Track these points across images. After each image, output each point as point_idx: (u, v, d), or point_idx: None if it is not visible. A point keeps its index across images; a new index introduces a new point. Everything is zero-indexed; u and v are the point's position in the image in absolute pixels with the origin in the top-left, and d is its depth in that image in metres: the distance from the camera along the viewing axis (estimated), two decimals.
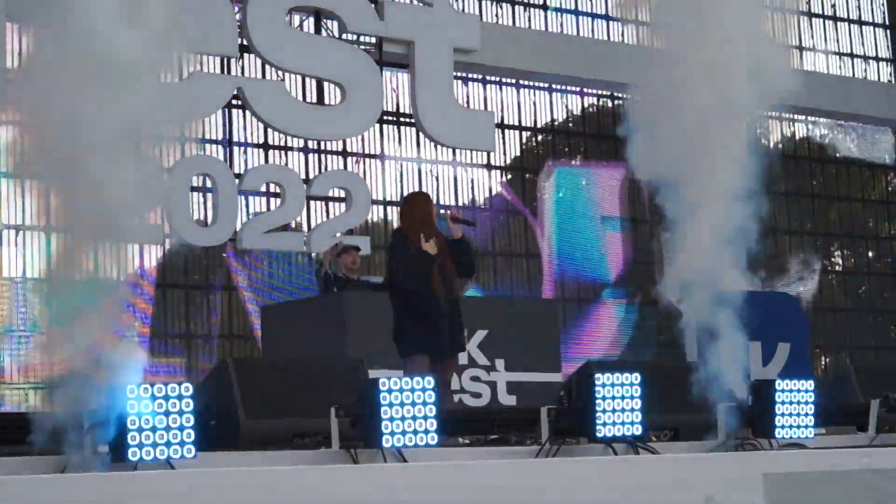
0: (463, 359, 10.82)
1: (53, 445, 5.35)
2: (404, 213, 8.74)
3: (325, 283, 11.12)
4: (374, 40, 14.52)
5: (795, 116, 18.95)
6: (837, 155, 19.60)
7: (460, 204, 15.97)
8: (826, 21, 19.32)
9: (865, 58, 19.55)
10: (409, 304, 8.42)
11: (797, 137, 19.34)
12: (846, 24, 19.51)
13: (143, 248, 13.55)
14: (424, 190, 14.98)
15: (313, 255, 13.51)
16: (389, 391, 5.60)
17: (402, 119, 15.17)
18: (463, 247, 8.54)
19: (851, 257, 19.87)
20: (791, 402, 6.61)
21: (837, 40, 19.37)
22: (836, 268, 19.82)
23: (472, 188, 16.20)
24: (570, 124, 17.44)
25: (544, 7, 16.75)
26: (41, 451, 5.30)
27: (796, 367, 12.85)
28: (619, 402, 6.13)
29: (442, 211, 8.72)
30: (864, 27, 19.65)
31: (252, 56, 13.82)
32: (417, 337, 8.33)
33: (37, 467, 5.07)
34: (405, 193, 15.30)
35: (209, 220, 13.44)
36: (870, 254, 19.97)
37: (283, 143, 14.37)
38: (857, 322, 19.24)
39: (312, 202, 14.27)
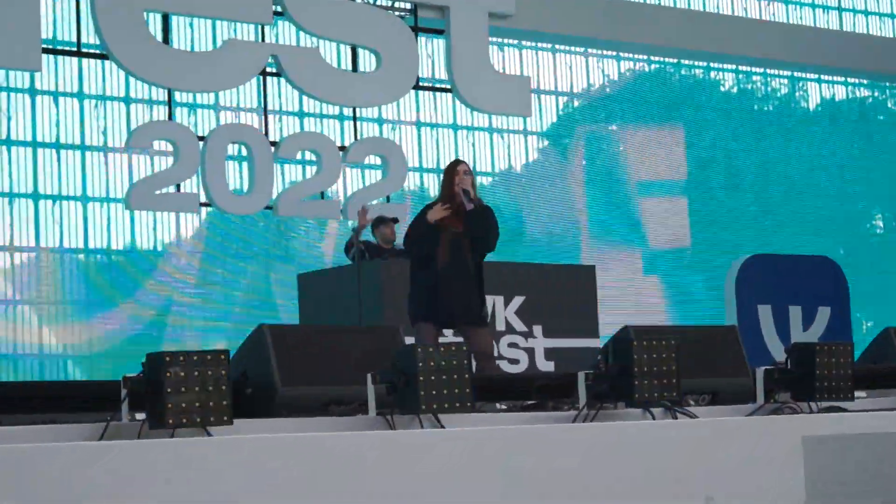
0: (501, 325, 10.82)
1: (92, 413, 5.39)
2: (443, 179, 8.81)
3: (360, 256, 11.11)
4: (408, 6, 14.47)
5: (835, 78, 18.80)
6: (880, 117, 19.43)
7: (499, 169, 15.95)
8: None
9: None
10: (413, 271, 8.58)
11: (837, 99, 19.17)
12: None
13: (179, 217, 13.61)
14: (461, 156, 14.97)
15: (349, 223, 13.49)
16: (426, 357, 5.60)
17: (437, 85, 15.13)
18: (476, 218, 8.49)
19: (894, 220, 19.72)
20: (830, 366, 6.55)
21: (878, 1, 19.17)
22: (878, 231, 19.67)
23: (509, 154, 16.16)
24: (608, 89, 17.35)
25: None
26: (80, 418, 5.34)
27: (837, 330, 12.81)
28: (657, 366, 6.09)
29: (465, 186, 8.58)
30: None
31: (286, 23, 13.80)
32: (419, 304, 8.47)
33: (75, 435, 5.10)
34: (441, 160, 15.32)
35: (245, 188, 13.47)
36: None
37: (318, 111, 14.37)
38: None
39: (348, 169, 14.27)
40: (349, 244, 11.41)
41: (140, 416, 5.20)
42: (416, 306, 8.55)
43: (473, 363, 8.28)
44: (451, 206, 8.47)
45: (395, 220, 11.89)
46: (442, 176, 8.80)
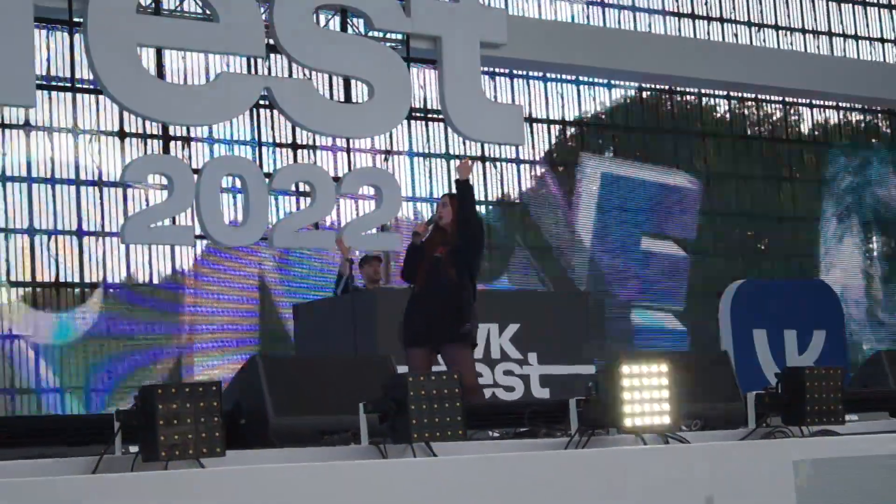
0: (496, 352, 10.86)
1: (85, 447, 5.42)
2: None
3: (344, 290, 11.19)
4: (400, 37, 14.54)
5: (827, 103, 18.88)
6: (873, 140, 19.51)
7: (492, 198, 16.00)
8: (856, 6, 19.22)
9: None
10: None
11: (830, 124, 19.25)
12: (876, 8, 19.40)
13: (174, 250, 13.66)
14: (454, 186, 15.04)
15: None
16: (417, 386, 5.62)
17: (430, 115, 15.19)
18: (459, 230, 8.56)
19: (888, 243, 19.78)
20: (821, 390, 6.58)
21: (867, 25, 19.26)
22: (874, 254, 19.72)
23: (502, 182, 16.22)
24: (603, 116, 17.42)
25: None
26: (73, 452, 5.36)
27: (833, 354, 12.83)
28: (648, 392, 6.12)
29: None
30: (894, 12, 19.54)
31: (279, 56, 13.86)
32: (404, 329, 8.58)
33: (69, 468, 5.12)
34: (434, 189, 15.40)
35: (240, 220, 13.51)
36: None
37: (311, 142, 14.42)
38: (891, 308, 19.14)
39: (342, 200, 14.31)
40: (339, 274, 11.50)
41: (133, 448, 5.22)
42: (402, 332, 8.69)
43: None
44: (430, 228, 8.66)
45: (379, 260, 11.94)
46: None
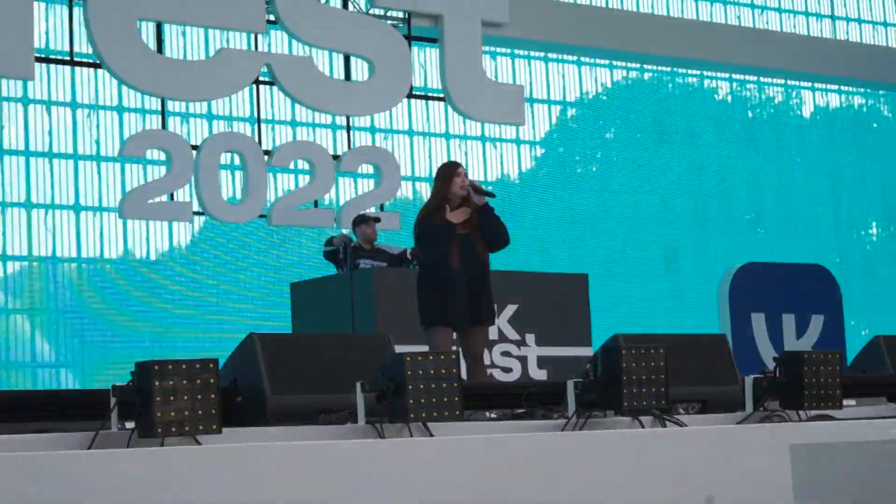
0: (493, 334, 10.83)
1: (82, 422, 5.40)
2: (434, 183, 8.79)
3: (336, 255, 11.23)
4: (402, 14, 14.49)
5: (829, 86, 18.84)
6: (874, 125, 19.47)
7: (492, 178, 15.96)
8: None
9: None
10: (426, 275, 8.54)
11: (831, 107, 19.21)
12: None
13: (172, 227, 13.63)
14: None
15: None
16: (415, 365, 5.60)
17: (430, 94, 15.15)
18: (489, 216, 8.54)
19: (888, 227, 19.75)
20: (819, 374, 6.56)
21: (871, 8, 19.21)
22: (873, 238, 19.70)
23: (503, 163, 16.18)
24: (604, 97, 17.38)
25: None
26: (70, 427, 5.35)
27: (831, 338, 12.83)
28: (646, 374, 6.10)
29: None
30: None
31: (279, 32, 13.82)
32: (435, 308, 8.43)
33: (65, 444, 5.10)
34: (433, 169, 15.35)
35: (239, 197, 13.49)
36: None
37: (311, 120, 14.39)
38: (892, 292, 19.12)
39: (342, 178, 14.29)
40: (330, 239, 11.55)
41: (129, 425, 5.21)
42: (429, 310, 8.52)
43: (464, 367, 8.33)
44: (465, 206, 8.53)
45: (377, 220, 11.95)
46: (436, 179, 8.79)
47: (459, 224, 8.50)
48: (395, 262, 11.38)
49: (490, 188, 8.94)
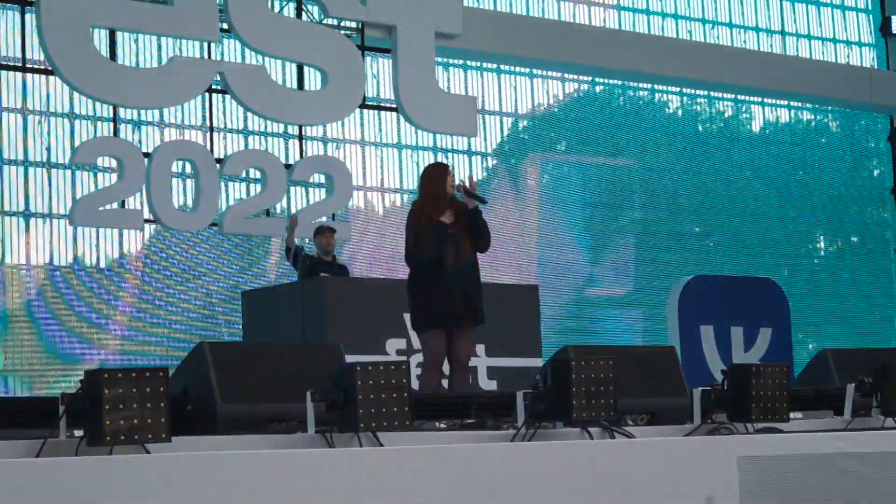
0: None
1: (29, 429, 5.37)
2: (420, 184, 8.78)
3: (295, 260, 11.30)
4: (355, 25, 14.50)
5: (778, 101, 18.99)
6: (822, 140, 19.65)
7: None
8: (809, 6, 19.35)
9: (848, 43, 19.58)
10: (418, 277, 8.47)
11: (780, 123, 19.38)
12: (829, 8, 19.53)
13: (122, 234, 13.58)
14: (405, 176, 15.06)
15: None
16: (365, 375, 5.61)
17: (383, 104, 15.16)
18: (478, 217, 8.53)
19: (835, 242, 19.93)
20: (767, 387, 6.63)
21: (821, 25, 19.39)
22: (821, 253, 19.87)
23: (455, 174, 16.19)
24: (556, 110, 17.45)
25: None
26: (16, 434, 5.32)
27: (778, 351, 12.92)
28: (595, 385, 6.14)
29: (457, 182, 8.67)
30: (847, 12, 19.69)
31: (233, 41, 13.79)
32: (428, 310, 8.38)
33: (12, 451, 5.08)
34: (385, 180, 15.37)
35: (190, 205, 13.44)
36: (853, 239, 20.02)
37: (263, 129, 14.37)
38: (839, 307, 19.29)
39: (293, 188, 14.27)
40: (288, 248, 11.60)
41: (78, 433, 5.19)
42: (426, 313, 8.46)
43: (447, 369, 8.34)
44: (456, 207, 8.52)
45: (333, 231, 11.96)
46: (424, 179, 8.74)
47: (452, 225, 8.52)
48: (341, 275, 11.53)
49: (483, 194, 9.01)
